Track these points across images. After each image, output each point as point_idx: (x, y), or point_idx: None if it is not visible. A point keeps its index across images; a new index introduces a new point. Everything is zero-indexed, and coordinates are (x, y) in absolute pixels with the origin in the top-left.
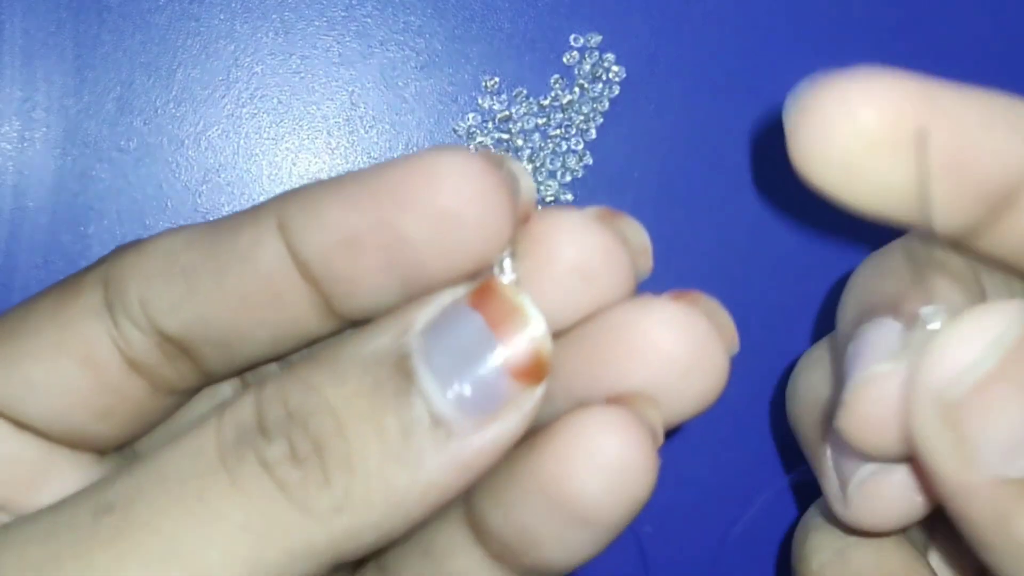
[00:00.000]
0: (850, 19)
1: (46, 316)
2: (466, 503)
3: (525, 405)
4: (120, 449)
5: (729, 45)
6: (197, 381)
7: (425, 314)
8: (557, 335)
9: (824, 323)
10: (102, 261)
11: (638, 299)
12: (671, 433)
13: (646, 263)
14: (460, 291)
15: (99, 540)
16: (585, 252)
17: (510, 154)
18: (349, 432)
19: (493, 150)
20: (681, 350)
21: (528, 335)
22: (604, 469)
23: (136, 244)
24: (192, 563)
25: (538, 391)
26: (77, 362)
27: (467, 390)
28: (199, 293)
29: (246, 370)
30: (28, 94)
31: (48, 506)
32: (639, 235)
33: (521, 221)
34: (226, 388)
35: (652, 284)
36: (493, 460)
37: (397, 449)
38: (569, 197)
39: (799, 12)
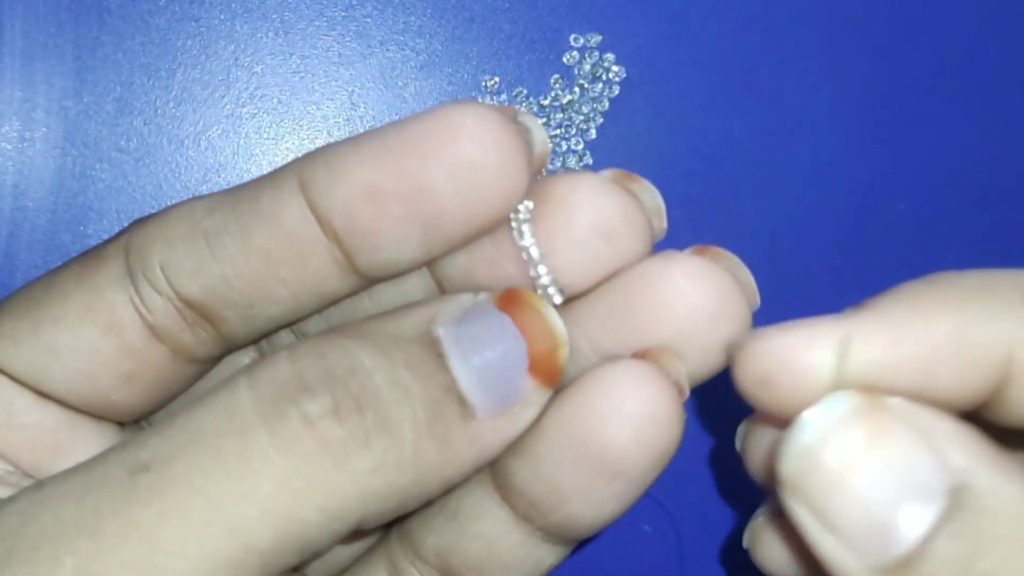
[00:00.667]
0: (850, 19)
1: (69, 285)
2: (491, 464)
3: (536, 404)
4: (138, 422)
5: (729, 45)
6: (217, 348)
7: (448, 308)
8: (581, 294)
9: None
10: (123, 232)
11: (661, 255)
12: (696, 389)
13: (660, 224)
14: (481, 295)
15: (138, 498)
16: (604, 212)
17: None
18: (387, 397)
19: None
20: (705, 302)
21: (552, 339)
22: (632, 420)
23: (156, 213)
24: (230, 520)
25: (549, 393)
26: (100, 329)
27: (490, 380)
28: (222, 254)
29: (264, 336)
30: (28, 95)
31: (77, 465)
32: (653, 196)
33: (535, 172)
34: (244, 360)
35: None
36: (502, 448)
37: (428, 421)
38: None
39: (799, 12)
